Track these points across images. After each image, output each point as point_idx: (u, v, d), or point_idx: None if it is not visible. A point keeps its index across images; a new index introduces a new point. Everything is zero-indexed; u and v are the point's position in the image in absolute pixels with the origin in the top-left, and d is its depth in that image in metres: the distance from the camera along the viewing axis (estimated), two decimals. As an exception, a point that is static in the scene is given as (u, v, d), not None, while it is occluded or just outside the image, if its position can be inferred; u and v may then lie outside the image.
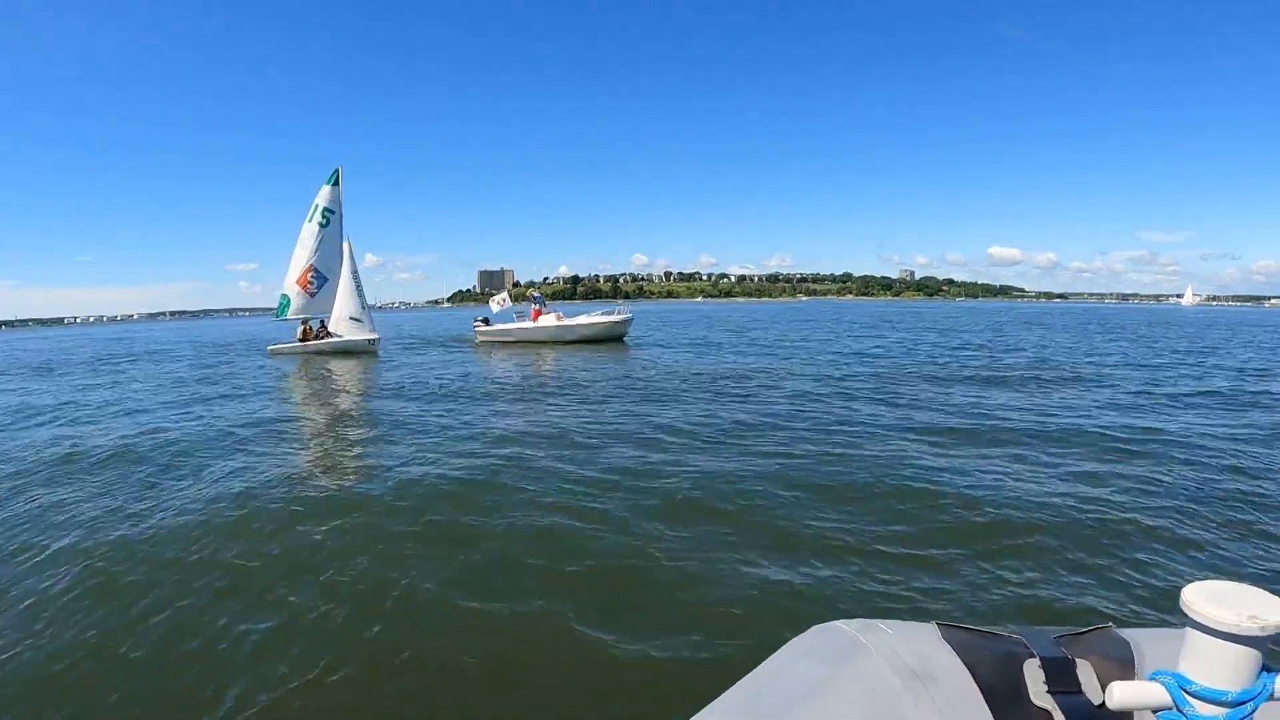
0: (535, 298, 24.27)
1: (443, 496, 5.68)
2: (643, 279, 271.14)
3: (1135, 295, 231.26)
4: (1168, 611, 3.36)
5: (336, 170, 21.87)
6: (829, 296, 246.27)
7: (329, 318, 21.36)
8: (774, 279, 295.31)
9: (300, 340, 21.46)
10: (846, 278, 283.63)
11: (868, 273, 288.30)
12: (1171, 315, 63.96)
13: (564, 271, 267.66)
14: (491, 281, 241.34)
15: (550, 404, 10.60)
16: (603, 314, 23.64)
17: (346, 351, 20.89)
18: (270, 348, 22.08)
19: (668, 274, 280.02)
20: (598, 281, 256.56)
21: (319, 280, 21.63)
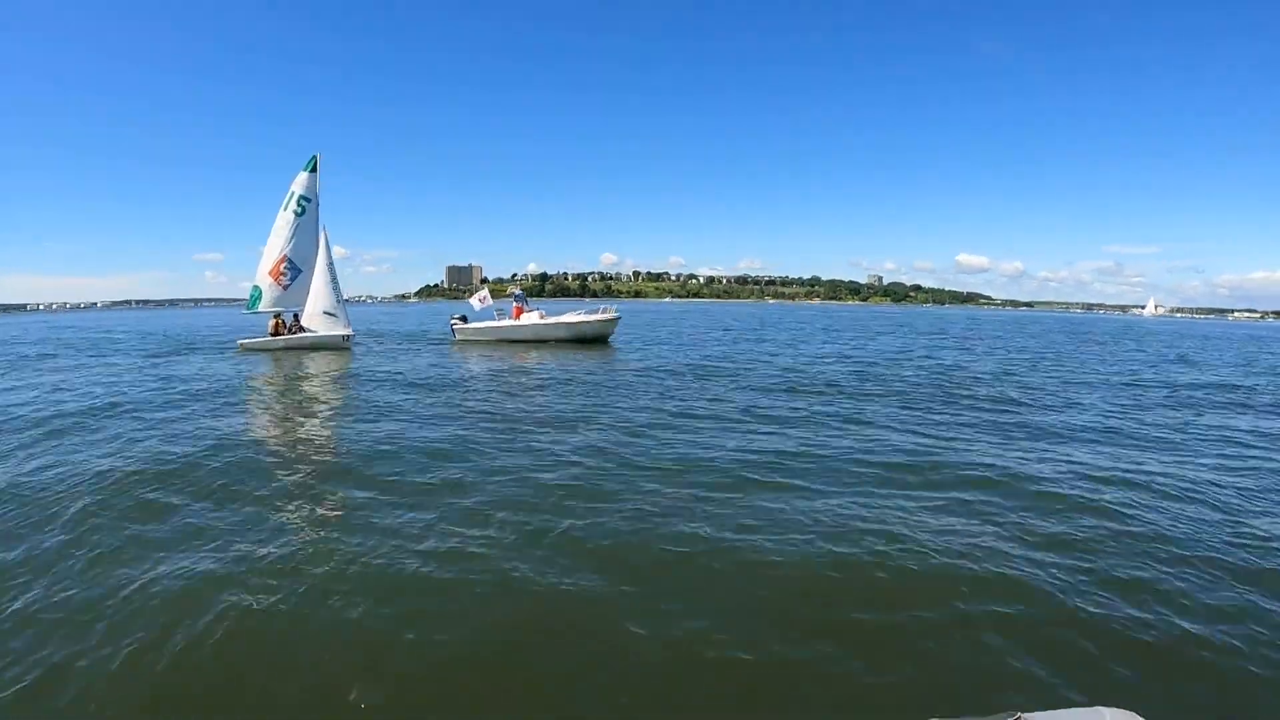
0: (517, 295, 23.75)
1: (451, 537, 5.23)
2: (611, 278, 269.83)
3: (1100, 305, 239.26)
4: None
5: (314, 156, 20.95)
6: (797, 300, 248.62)
7: (303, 311, 20.46)
8: (742, 281, 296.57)
9: (272, 334, 20.51)
10: (815, 281, 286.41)
11: (836, 277, 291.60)
12: (1133, 326, 66.18)
13: (533, 269, 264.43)
14: (460, 277, 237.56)
15: (540, 408, 10.20)
16: (588, 312, 23.20)
17: (319, 347, 20.06)
18: (240, 342, 21.07)
19: (636, 273, 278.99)
20: (566, 279, 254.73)
21: (293, 272, 20.71)
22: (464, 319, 23.37)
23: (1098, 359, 21.96)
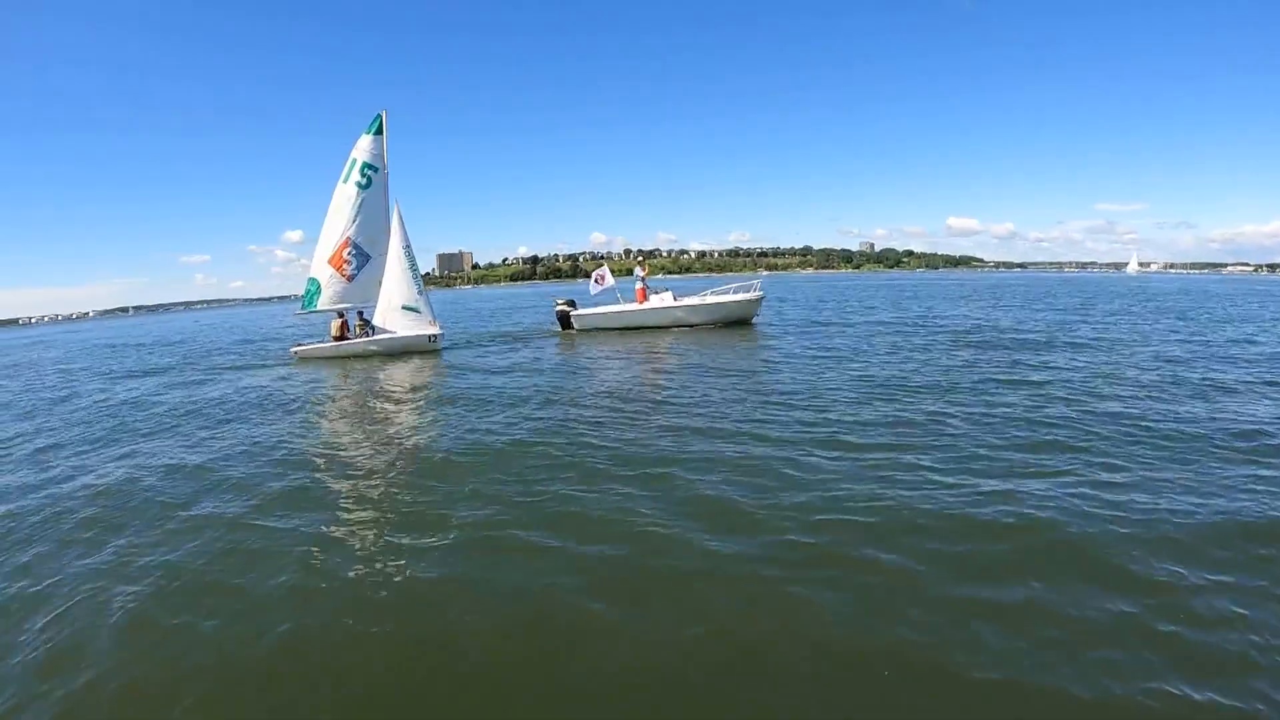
0: (640, 275, 19.76)
1: None
2: (602, 257, 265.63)
3: (1093, 263, 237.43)
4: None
5: (379, 115, 16.73)
6: (790, 270, 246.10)
7: (373, 308, 16.44)
8: (734, 254, 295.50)
9: (335, 339, 16.49)
10: (807, 251, 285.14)
11: (828, 245, 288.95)
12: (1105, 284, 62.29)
13: (523, 252, 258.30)
14: (450, 264, 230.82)
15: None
16: (718, 291, 19.45)
17: (399, 351, 16.11)
18: (295, 350, 17.05)
19: (627, 251, 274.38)
20: (558, 261, 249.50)
21: (359, 258, 16.63)
22: (572, 304, 19.58)
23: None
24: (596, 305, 19.52)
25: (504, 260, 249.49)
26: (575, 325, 19.20)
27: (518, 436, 7.63)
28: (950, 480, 5.53)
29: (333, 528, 5.20)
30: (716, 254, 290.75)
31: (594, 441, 7.17)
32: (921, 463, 6.00)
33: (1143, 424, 7.16)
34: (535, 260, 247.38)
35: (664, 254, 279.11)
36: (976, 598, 3.73)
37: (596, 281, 19.40)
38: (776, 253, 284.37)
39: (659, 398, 9.57)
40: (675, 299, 18.87)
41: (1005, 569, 4.04)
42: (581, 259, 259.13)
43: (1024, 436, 6.81)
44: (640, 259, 20.89)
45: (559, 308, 19.78)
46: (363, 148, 16.53)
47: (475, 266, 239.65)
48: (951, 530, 4.57)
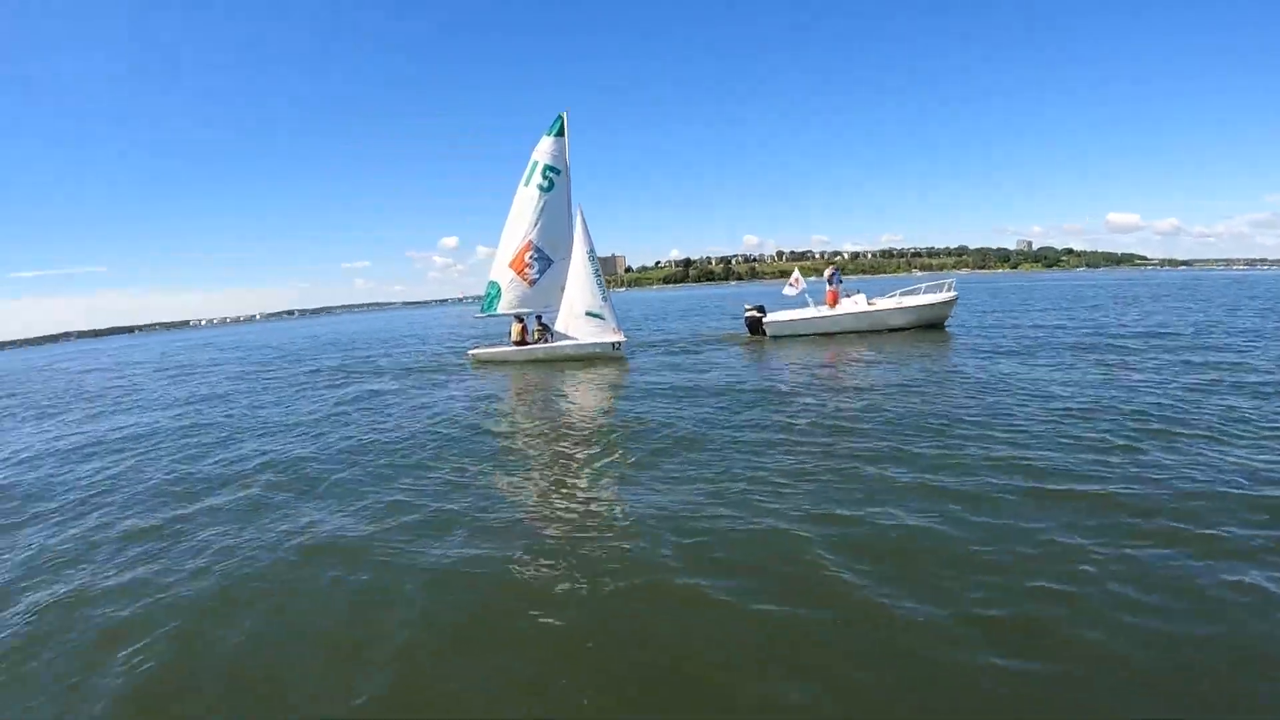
0: (832, 275, 17.87)
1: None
2: (755, 259, 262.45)
3: (1262, 260, 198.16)
4: None
5: (560, 116, 16.14)
6: (945, 270, 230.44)
7: (554, 314, 15.80)
8: (887, 254, 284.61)
9: (515, 343, 16.04)
10: (962, 250, 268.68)
11: (983, 244, 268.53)
12: None
13: (675, 255, 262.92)
14: (604, 267, 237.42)
15: None
16: (908, 291, 17.52)
17: (581, 358, 15.29)
18: (472, 353, 16.89)
19: (780, 253, 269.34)
20: (710, 264, 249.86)
21: (542, 262, 16.09)
22: (761, 309, 18.04)
23: None
24: (790, 311, 17.89)
25: (656, 263, 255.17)
26: (767, 331, 17.59)
27: (733, 466, 6.11)
28: None
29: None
30: (869, 255, 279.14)
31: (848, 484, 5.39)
32: None
33: None
34: (688, 263, 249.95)
35: (816, 255, 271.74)
36: None
37: (792, 284, 17.66)
38: (930, 253, 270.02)
39: (900, 416, 7.52)
40: (869, 302, 17.15)
41: None
42: (734, 261, 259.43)
43: None
44: (831, 260, 18.71)
45: (748, 313, 18.29)
46: (544, 150, 15.97)
47: (629, 270, 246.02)
48: None
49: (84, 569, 4.96)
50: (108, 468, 8.22)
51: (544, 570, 4.38)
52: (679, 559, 4.37)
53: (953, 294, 17.01)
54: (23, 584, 4.79)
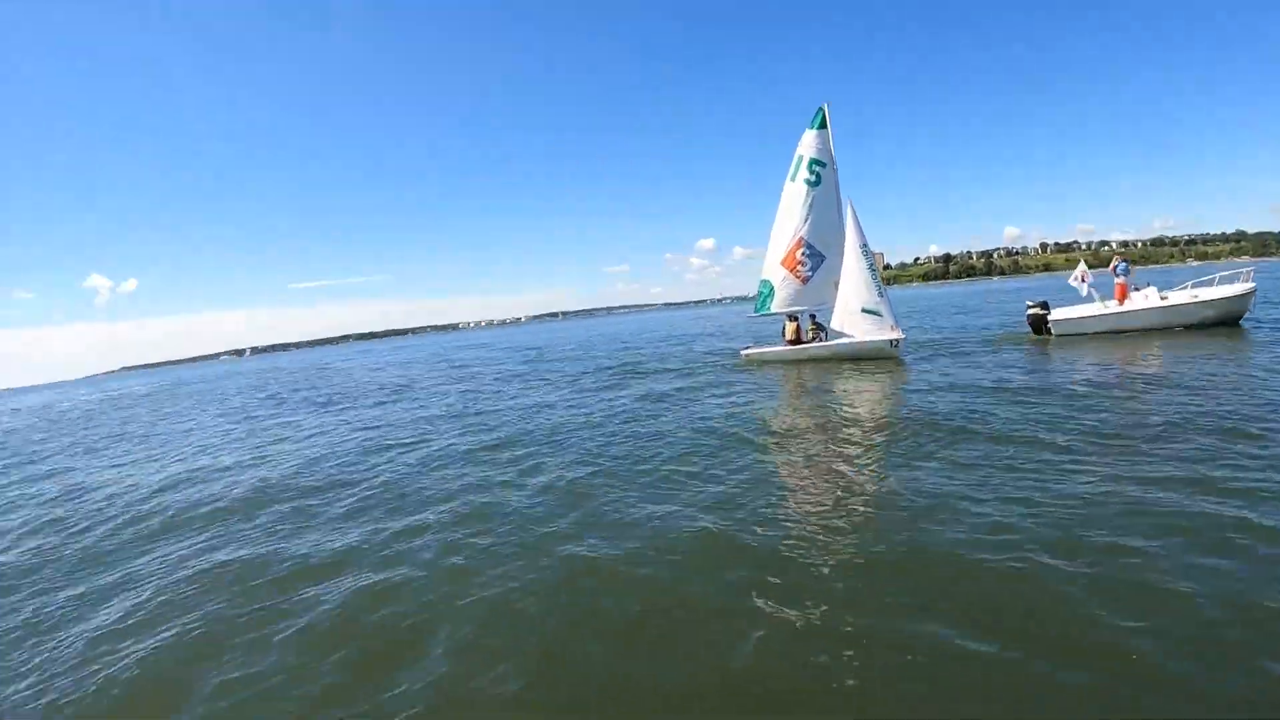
0: (1119, 267, 15.37)
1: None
2: (1017, 252, 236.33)
3: None
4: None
5: (821, 109, 15.76)
6: (1222, 259, 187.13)
7: (827, 310, 15.42)
8: (1158, 243, 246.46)
9: (790, 342, 15.92)
10: (1240, 236, 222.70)
11: (1263, 229, 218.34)
12: None
13: (934, 250, 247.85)
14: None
15: None
16: (1200, 283, 14.97)
17: (858, 357, 14.69)
18: (745, 352, 17.12)
19: (1043, 245, 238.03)
20: (970, 258, 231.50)
21: (814, 259, 15.82)
22: (1045, 306, 16.02)
23: None
24: (1080, 307, 15.77)
25: (915, 260, 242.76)
26: (1053, 330, 15.50)
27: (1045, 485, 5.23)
28: None
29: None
30: (1139, 244, 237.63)
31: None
32: None
33: None
34: (948, 259, 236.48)
35: (1081, 246, 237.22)
36: None
37: (1079, 278, 15.66)
38: (1206, 239, 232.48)
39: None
40: (1162, 297, 14.85)
41: None
42: (995, 255, 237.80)
43: None
44: (1119, 251, 15.62)
45: (1031, 310, 16.18)
46: (808, 143, 15.72)
47: (887, 267, 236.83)
48: None
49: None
50: (470, 472, 9.67)
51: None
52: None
53: (1251, 285, 14.70)
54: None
